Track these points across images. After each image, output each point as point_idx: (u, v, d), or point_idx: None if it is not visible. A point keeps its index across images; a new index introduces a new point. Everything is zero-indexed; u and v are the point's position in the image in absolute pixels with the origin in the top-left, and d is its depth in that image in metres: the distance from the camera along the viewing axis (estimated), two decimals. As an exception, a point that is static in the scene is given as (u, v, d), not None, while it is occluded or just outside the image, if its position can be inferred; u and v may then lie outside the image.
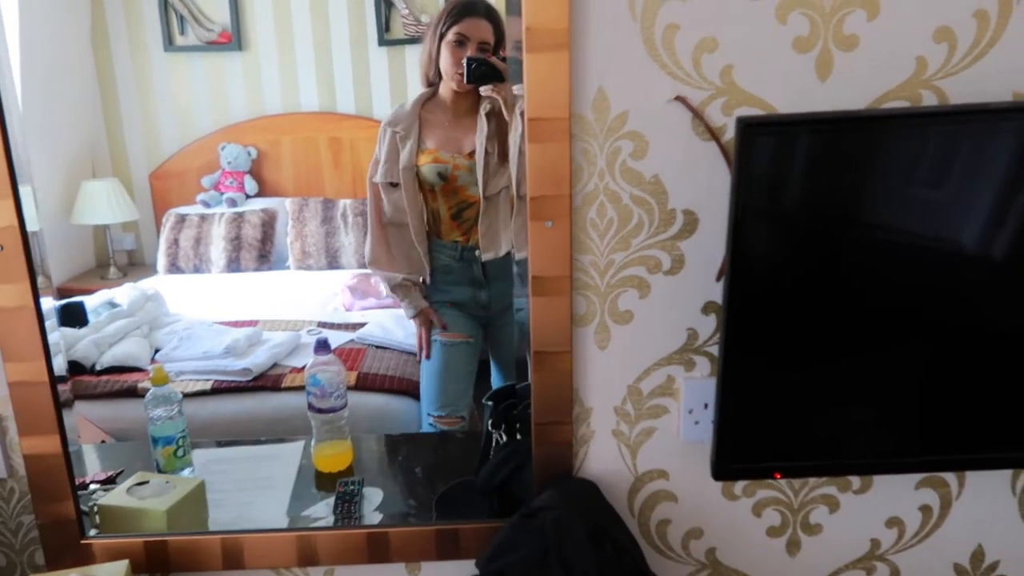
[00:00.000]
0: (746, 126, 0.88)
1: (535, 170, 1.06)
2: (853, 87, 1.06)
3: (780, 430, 1.03)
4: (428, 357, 2.03)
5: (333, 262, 3.55)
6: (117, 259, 3.90)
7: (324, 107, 3.82)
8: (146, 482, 1.32)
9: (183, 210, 3.88)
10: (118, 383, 2.50)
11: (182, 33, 3.89)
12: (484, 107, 1.88)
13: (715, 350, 1.15)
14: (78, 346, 2.58)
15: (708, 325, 1.15)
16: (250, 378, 2.55)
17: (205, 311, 3.13)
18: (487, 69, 1.77)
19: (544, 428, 1.15)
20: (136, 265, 4.08)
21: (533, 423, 1.15)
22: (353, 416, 1.66)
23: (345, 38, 3.75)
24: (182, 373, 2.57)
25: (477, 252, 1.95)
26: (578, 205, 1.09)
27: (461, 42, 1.88)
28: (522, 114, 1.02)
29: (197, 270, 3.74)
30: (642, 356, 1.16)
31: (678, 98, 1.07)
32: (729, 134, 1.08)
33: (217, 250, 3.75)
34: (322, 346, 1.58)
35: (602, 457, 1.20)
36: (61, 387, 1.15)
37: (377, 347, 2.71)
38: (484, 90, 1.80)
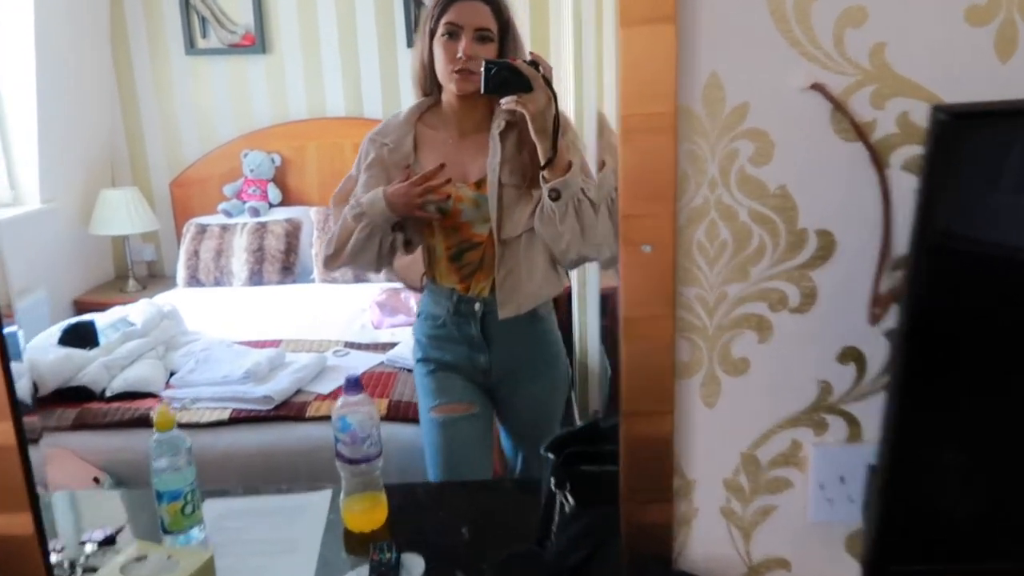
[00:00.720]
0: (952, 119, 0.63)
1: (629, 181, 0.82)
2: (1044, 69, 0.81)
3: (970, 522, 0.78)
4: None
5: (360, 275, 3.34)
6: (136, 271, 3.73)
7: (351, 112, 3.62)
8: (144, 557, 1.10)
9: (204, 220, 3.71)
10: (129, 411, 2.29)
11: (204, 35, 3.73)
12: (497, 124, 1.50)
13: (855, 408, 0.91)
14: (88, 369, 2.38)
15: (846, 376, 0.90)
16: (272, 407, 2.33)
17: (225, 328, 2.93)
18: (509, 75, 1.33)
19: (635, 505, 0.91)
20: (156, 277, 3.91)
21: (621, 498, 0.91)
22: (384, 451, 1.43)
23: (373, 39, 3.56)
24: (198, 400, 2.36)
25: (477, 306, 1.55)
26: (683, 224, 0.86)
27: (453, 33, 1.46)
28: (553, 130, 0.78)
29: (218, 283, 3.55)
30: (760, 416, 0.91)
31: (815, 86, 0.82)
32: (880, 131, 0.84)
33: (239, 262, 3.56)
34: (353, 386, 1.35)
35: (708, 541, 0.95)
36: (28, 420, 0.92)
37: (410, 371, 2.48)
38: (506, 102, 1.35)
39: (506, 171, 1.48)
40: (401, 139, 1.54)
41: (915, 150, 0.84)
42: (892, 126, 0.84)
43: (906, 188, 0.85)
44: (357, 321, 3.01)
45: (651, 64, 0.79)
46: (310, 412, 2.33)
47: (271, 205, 3.87)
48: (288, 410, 2.34)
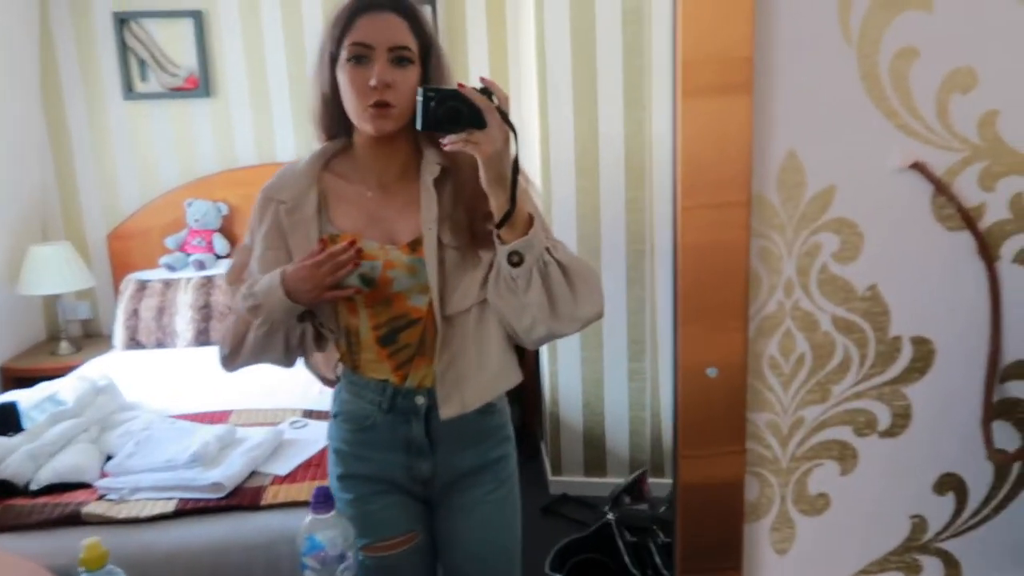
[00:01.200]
0: None
1: (689, 289, 0.65)
2: None
3: None
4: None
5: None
6: (70, 332, 3.43)
7: (302, 157, 3.41)
8: None
9: (144, 275, 3.43)
10: (59, 507, 2.01)
11: (143, 79, 3.48)
12: (431, 170, 1.15)
13: (954, 546, 0.75)
14: (9, 460, 2.09)
15: (944, 509, 0.74)
16: (223, 494, 2.07)
17: (168, 399, 2.66)
18: (455, 106, 0.98)
19: None
20: (92, 337, 3.61)
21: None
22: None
23: (326, 80, 3.36)
24: (138, 490, 2.09)
25: (419, 400, 1.18)
26: (752, 336, 0.69)
27: (362, 57, 1.10)
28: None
29: (160, 344, 3.27)
30: (841, 561, 0.74)
31: (914, 165, 0.67)
32: (989, 217, 0.69)
33: (183, 321, 3.29)
34: (322, 503, 1.13)
35: None
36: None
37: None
38: (450, 142, 1.00)
39: (446, 229, 1.14)
40: (302, 195, 1.17)
41: (1031, 239, 0.70)
42: (1004, 210, 0.69)
43: (1018, 285, 0.70)
44: (316, 385, 2.77)
45: (719, 143, 0.62)
46: (266, 499, 2.07)
47: (218, 257, 3.60)
48: (241, 498, 2.08)
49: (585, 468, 2.87)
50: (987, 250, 0.69)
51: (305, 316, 1.17)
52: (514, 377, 1.22)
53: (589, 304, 1.06)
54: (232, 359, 1.23)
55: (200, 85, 3.54)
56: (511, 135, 1.02)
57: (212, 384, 2.85)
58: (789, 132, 0.65)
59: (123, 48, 3.47)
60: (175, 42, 3.48)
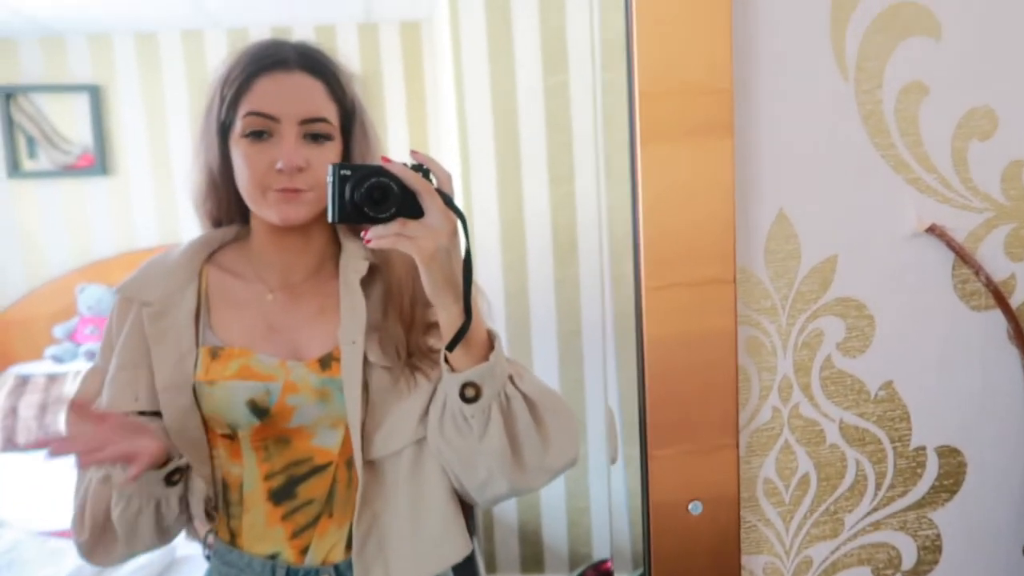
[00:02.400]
0: None
1: (663, 397, 0.48)
2: None
3: None
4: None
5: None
6: (-64, 437, 3.04)
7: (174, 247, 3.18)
8: None
9: (26, 368, 3.11)
10: None
11: (31, 156, 3.23)
12: (353, 266, 0.90)
13: None
14: None
15: None
16: (98, 632, 1.76)
17: (43, 513, 2.33)
18: (383, 185, 0.72)
19: None
20: (-36, 442, 3.22)
21: None
22: None
23: (235, 157, 3.19)
24: (-7, 633, 1.76)
25: None
26: (743, 455, 0.52)
27: (263, 132, 0.83)
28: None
29: (41, 447, 2.91)
30: None
31: (930, 229, 0.53)
32: (1023, 291, 0.55)
33: (70, 420, 2.95)
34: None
35: None
36: None
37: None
38: (379, 234, 0.73)
39: (374, 343, 0.87)
40: (174, 295, 0.89)
41: (1070, 320, 0.56)
42: None
43: None
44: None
45: (692, 201, 0.47)
46: (151, 635, 1.78)
47: (113, 348, 3.29)
48: (121, 634, 1.78)
49: (522, 565, 2.66)
50: (1022, 333, 0.55)
51: (172, 477, 0.82)
52: (461, 546, 0.89)
53: (564, 450, 0.78)
54: (94, 551, 0.88)
55: (96, 163, 3.32)
56: (459, 225, 0.76)
57: (95, 495, 2.51)
58: (778, 187, 0.51)
59: (9, 124, 3.22)
60: (68, 117, 3.26)
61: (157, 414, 0.82)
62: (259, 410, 0.84)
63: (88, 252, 3.26)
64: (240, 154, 0.84)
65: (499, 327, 2.40)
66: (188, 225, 2.79)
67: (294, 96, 0.84)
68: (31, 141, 3.15)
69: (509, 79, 2.24)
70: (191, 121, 3.16)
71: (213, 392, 0.82)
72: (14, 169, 3.14)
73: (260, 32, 3.18)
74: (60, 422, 2.95)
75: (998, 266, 0.54)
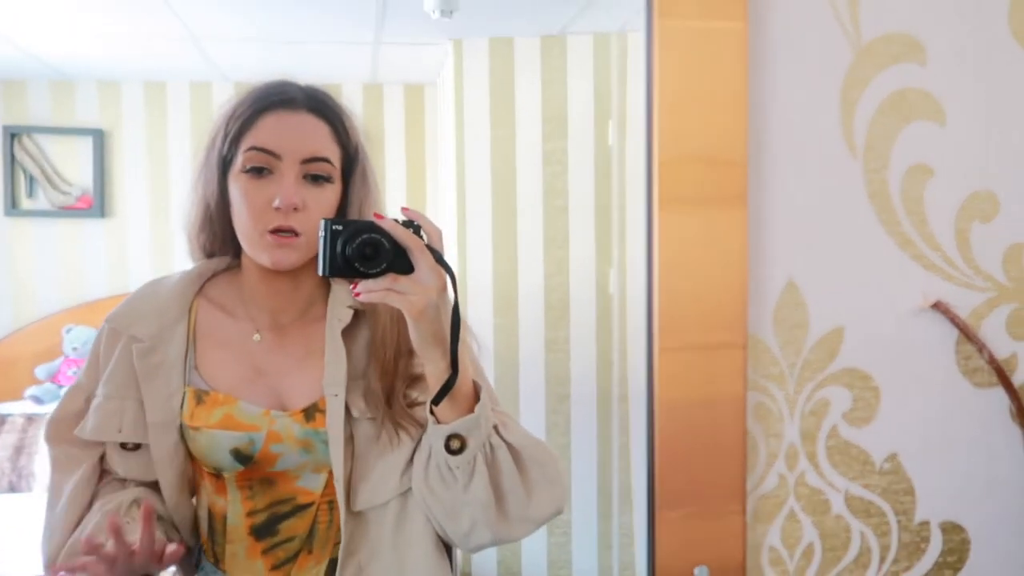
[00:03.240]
0: None
1: (673, 460, 0.48)
2: None
3: None
4: None
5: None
6: (-94, 475, 2.96)
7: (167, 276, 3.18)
8: None
9: (6, 408, 3.06)
10: None
11: (30, 195, 3.24)
12: (337, 313, 0.91)
13: None
14: None
15: None
16: None
17: (8, 557, 2.27)
18: (374, 241, 0.74)
19: None
20: (-66, 482, 3.14)
21: None
22: None
23: (235, 205, 3.20)
24: None
25: None
26: (748, 521, 0.52)
27: (263, 169, 0.85)
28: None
29: (13, 489, 2.84)
30: None
31: (935, 306, 0.54)
32: None
33: (44, 462, 2.88)
34: None
35: None
36: None
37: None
38: (369, 288, 0.75)
39: (357, 395, 0.88)
40: (165, 332, 0.90)
41: (1070, 400, 0.57)
42: None
43: None
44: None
45: (707, 266, 0.48)
46: None
47: (96, 391, 3.23)
48: None
49: (501, 635, 2.57)
50: (1023, 411, 0.56)
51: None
52: None
53: (547, 500, 0.77)
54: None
55: (94, 205, 3.33)
56: (448, 281, 0.78)
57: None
58: (788, 257, 0.52)
59: (11, 162, 3.24)
60: (70, 159, 3.29)
61: (138, 446, 0.83)
62: (243, 457, 0.84)
63: (79, 293, 3.25)
64: (239, 189, 0.85)
65: (488, 365, 2.39)
66: (182, 268, 2.78)
67: (298, 134, 0.85)
68: (31, 180, 3.16)
69: (509, 144, 2.29)
70: (192, 167, 3.20)
71: (198, 437, 0.83)
72: (12, 207, 3.15)
73: (269, 86, 3.21)
74: (35, 464, 2.89)
75: (1000, 344, 0.56)
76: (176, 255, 3.37)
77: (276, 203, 0.81)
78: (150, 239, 3.42)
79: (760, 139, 0.50)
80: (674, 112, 0.47)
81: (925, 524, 0.56)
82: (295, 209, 0.81)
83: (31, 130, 3.35)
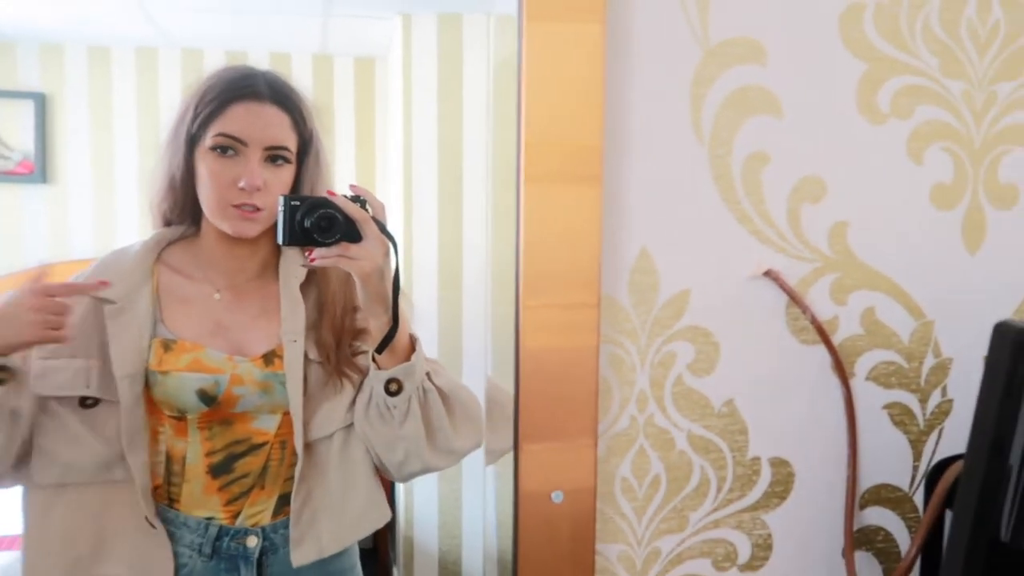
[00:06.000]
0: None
1: (534, 400, 0.57)
2: (1014, 262, 0.68)
3: None
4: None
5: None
6: None
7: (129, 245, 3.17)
8: None
9: (-57, 376, 3.00)
10: None
11: (-32, 158, 3.19)
12: (294, 272, 1.02)
13: None
14: None
15: None
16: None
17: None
18: (328, 215, 0.86)
19: None
20: None
21: None
22: None
23: (181, 173, 3.19)
24: None
25: (252, 541, 0.98)
26: (603, 455, 0.61)
27: (229, 149, 0.96)
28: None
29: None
30: None
31: (767, 273, 0.63)
32: (843, 331, 0.66)
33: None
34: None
35: None
36: None
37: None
38: (323, 255, 0.89)
39: (311, 342, 0.99)
40: (133, 292, 0.97)
41: (883, 356, 0.67)
42: (856, 325, 0.66)
43: (873, 404, 0.67)
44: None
45: (566, 236, 0.56)
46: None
47: (38, 358, 3.21)
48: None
49: (441, 597, 2.67)
50: (842, 366, 0.65)
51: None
52: (383, 514, 1.04)
53: (469, 436, 0.96)
54: None
55: (36, 170, 3.28)
56: (391, 248, 0.92)
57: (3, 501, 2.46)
58: (642, 229, 0.60)
59: (-53, 124, 3.17)
60: (10, 123, 3.23)
61: (96, 402, 0.93)
62: (208, 398, 0.96)
63: (19, 259, 3.20)
64: (206, 167, 0.97)
65: (433, 332, 2.49)
66: (125, 237, 2.87)
67: (263, 123, 0.98)
68: (-32, 144, 3.11)
69: (456, 119, 2.34)
70: (138, 135, 3.18)
71: (166, 380, 0.94)
72: (-52, 171, 3.10)
73: (215, 55, 3.24)
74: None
75: (823, 308, 0.65)
76: (119, 222, 3.36)
77: (241, 184, 0.95)
78: (93, 206, 3.39)
79: (615, 126, 0.58)
80: (539, 101, 0.55)
81: (756, 459, 0.65)
82: (258, 189, 0.96)
83: (-31, 94, 3.26)
